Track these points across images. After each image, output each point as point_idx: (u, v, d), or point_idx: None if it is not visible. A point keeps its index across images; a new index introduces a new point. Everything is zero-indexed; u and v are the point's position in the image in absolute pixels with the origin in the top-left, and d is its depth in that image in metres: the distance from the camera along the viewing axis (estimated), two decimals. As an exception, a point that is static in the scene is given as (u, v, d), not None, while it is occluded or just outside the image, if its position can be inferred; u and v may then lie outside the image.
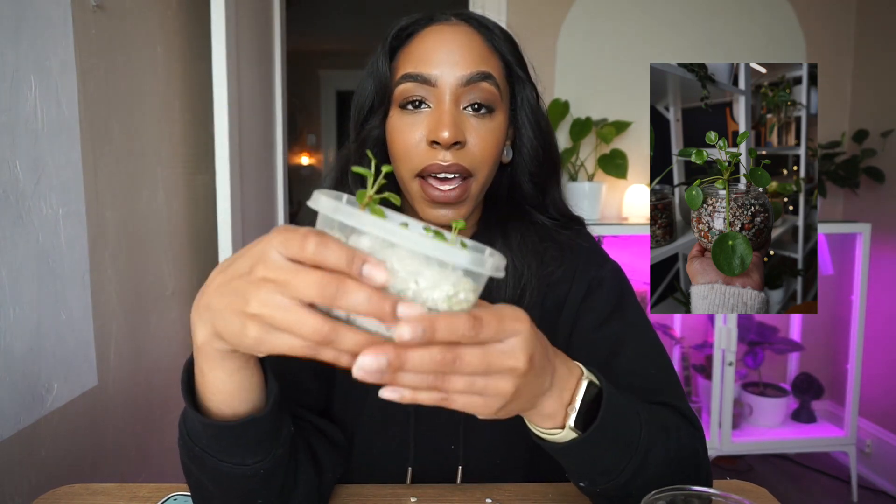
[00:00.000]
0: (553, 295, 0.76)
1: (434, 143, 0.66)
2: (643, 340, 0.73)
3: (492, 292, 0.73)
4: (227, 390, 0.49)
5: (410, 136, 0.68)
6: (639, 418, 0.56)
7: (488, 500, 0.69)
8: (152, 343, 1.63)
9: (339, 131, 5.80)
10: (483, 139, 0.68)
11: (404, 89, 0.68)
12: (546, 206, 0.77)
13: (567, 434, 0.52)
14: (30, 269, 1.11)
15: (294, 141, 5.59)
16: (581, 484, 0.58)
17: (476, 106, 0.68)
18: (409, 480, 0.74)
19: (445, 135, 0.65)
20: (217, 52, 1.70)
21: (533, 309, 0.75)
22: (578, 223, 0.80)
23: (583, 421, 0.51)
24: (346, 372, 0.38)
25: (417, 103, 0.68)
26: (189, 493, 0.69)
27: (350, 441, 0.75)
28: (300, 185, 5.55)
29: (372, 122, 0.72)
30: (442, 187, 0.67)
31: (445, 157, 0.66)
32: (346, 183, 0.76)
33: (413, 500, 0.69)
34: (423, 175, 0.68)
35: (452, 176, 0.67)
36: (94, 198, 1.34)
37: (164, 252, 1.70)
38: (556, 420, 0.51)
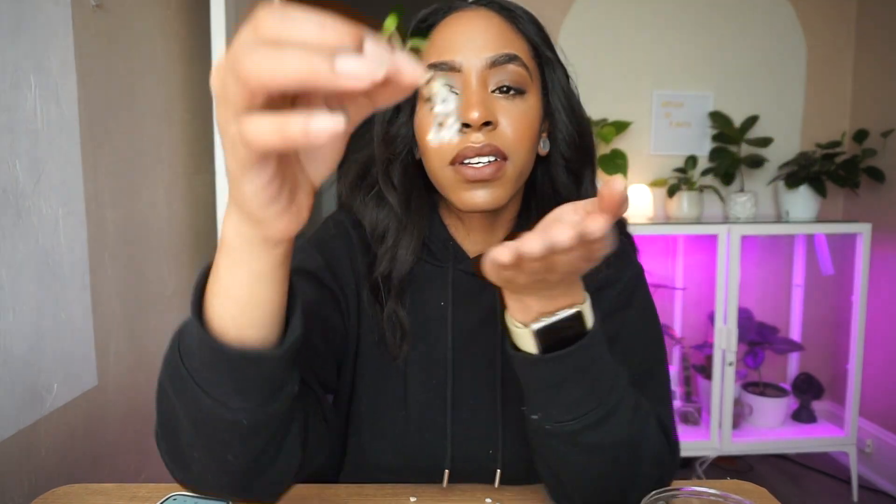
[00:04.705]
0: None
1: (464, 126, 0.63)
2: (646, 336, 0.72)
3: None
4: (242, 299, 0.43)
5: None
6: (617, 379, 0.55)
7: (488, 500, 0.69)
8: (152, 343, 1.63)
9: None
10: (516, 120, 0.65)
11: None
12: (581, 197, 0.73)
13: (525, 337, 0.53)
14: (30, 269, 1.11)
15: (294, 141, 5.58)
16: (534, 416, 0.57)
17: (505, 88, 0.65)
18: (445, 482, 0.72)
19: (475, 115, 0.61)
20: (217, 52, 1.69)
21: None
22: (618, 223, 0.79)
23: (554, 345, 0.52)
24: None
25: None
26: (189, 494, 0.68)
27: (387, 440, 0.73)
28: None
29: (399, 120, 0.71)
30: (475, 164, 0.64)
31: (477, 139, 0.63)
32: (365, 184, 0.75)
33: (413, 500, 0.69)
34: (455, 162, 0.65)
35: (487, 159, 0.64)
36: (94, 198, 1.34)
37: (164, 252, 1.70)
38: (527, 317, 0.52)
